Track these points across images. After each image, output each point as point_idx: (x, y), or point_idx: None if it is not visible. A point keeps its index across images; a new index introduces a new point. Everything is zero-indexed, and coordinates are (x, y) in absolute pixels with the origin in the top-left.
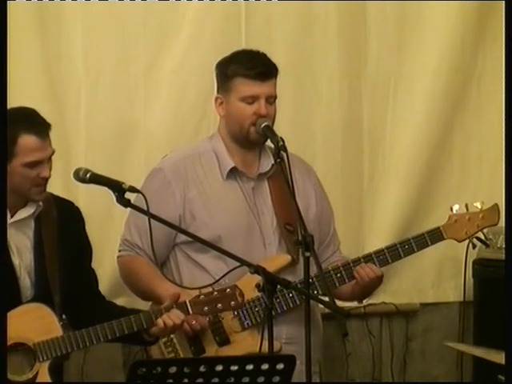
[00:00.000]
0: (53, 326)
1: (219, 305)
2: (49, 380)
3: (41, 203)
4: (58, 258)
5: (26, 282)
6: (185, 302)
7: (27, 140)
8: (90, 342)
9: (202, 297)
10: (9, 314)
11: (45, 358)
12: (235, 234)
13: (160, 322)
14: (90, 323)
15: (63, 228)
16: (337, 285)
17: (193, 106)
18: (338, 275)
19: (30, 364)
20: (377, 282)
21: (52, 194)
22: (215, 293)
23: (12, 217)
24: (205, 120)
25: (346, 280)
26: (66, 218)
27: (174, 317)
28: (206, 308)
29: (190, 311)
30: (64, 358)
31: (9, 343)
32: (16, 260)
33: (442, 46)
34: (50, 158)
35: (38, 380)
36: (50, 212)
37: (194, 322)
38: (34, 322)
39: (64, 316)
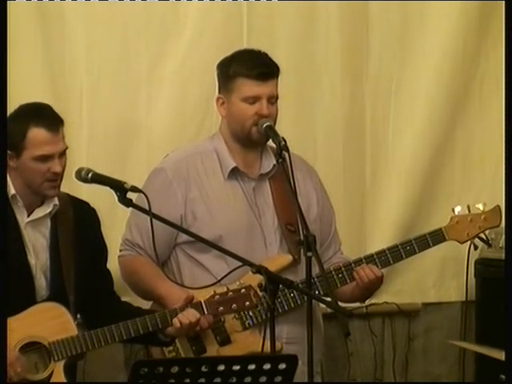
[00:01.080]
0: (68, 325)
1: (234, 305)
2: (63, 379)
3: (57, 202)
4: (73, 258)
5: (41, 281)
6: (200, 302)
7: (36, 133)
8: (105, 341)
9: (217, 297)
10: (24, 314)
11: (60, 357)
12: (236, 234)
13: (176, 321)
14: (105, 323)
15: (79, 228)
16: (338, 285)
17: (195, 105)
18: (340, 276)
19: (44, 363)
20: (377, 283)
21: (68, 194)
22: (230, 293)
23: (29, 216)
24: (207, 120)
25: (348, 280)
26: (82, 219)
27: (190, 315)
28: (220, 308)
29: (205, 311)
30: (79, 357)
31: (24, 342)
32: (32, 259)
33: (444, 46)
34: (62, 154)
35: (52, 379)
36: (66, 212)
37: None
38: (49, 322)
39: (79, 316)
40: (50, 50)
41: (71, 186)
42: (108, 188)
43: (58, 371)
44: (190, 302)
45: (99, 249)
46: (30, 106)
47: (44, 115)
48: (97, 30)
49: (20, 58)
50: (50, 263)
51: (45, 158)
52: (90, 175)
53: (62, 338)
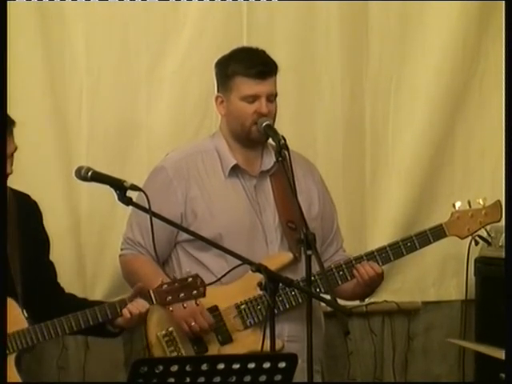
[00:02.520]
0: (18, 318)
1: (182, 294)
2: (15, 372)
3: None
4: (18, 251)
5: None
6: (148, 292)
7: None
8: (55, 333)
9: (165, 286)
10: None
11: (11, 350)
12: (237, 232)
13: (126, 311)
14: (50, 314)
15: (22, 221)
16: (339, 283)
17: (195, 105)
18: (341, 273)
19: None
20: (377, 279)
21: (10, 188)
22: (176, 283)
23: None
24: (207, 119)
25: (348, 278)
26: (24, 211)
27: (140, 306)
28: (169, 297)
29: (154, 301)
30: (29, 349)
31: None
32: None
33: (444, 44)
34: (11, 155)
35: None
36: (9, 205)
37: (193, 324)
38: None
39: (25, 310)
40: (50, 50)
41: (71, 185)
42: (108, 187)
43: (10, 365)
44: (141, 292)
45: (42, 241)
46: None
47: None
48: (97, 30)
49: (20, 58)
50: None
51: None
52: (89, 174)
53: (12, 331)
